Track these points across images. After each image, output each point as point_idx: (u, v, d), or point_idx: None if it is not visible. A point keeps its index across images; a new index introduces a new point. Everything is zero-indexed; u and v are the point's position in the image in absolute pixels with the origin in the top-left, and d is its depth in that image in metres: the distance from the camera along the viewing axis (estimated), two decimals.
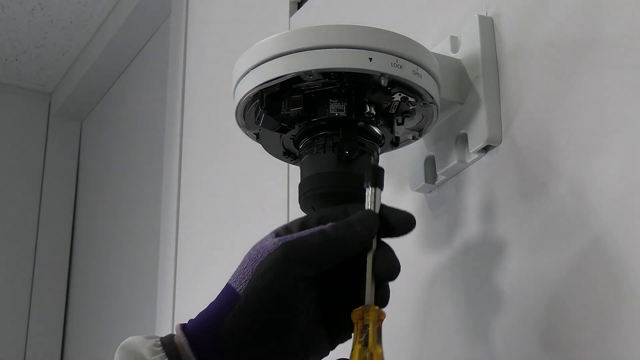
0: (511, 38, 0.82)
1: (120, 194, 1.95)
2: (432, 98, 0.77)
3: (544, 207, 0.76)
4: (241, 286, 0.67)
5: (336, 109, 0.74)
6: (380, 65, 0.73)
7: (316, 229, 0.68)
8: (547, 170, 0.76)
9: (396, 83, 0.74)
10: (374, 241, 0.69)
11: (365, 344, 0.67)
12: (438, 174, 0.86)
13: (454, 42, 0.86)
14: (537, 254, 0.75)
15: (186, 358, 0.67)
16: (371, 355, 0.66)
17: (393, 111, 0.76)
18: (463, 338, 0.81)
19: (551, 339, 0.73)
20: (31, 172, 2.14)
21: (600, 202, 0.71)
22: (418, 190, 0.88)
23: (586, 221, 0.72)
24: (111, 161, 2.03)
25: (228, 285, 0.69)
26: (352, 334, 0.68)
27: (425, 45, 0.77)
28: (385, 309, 0.68)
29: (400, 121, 0.78)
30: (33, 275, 2.07)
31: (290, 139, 0.78)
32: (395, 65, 0.74)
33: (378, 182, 0.70)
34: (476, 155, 0.82)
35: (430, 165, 0.87)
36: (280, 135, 0.78)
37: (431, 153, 0.86)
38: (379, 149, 0.77)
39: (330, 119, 0.74)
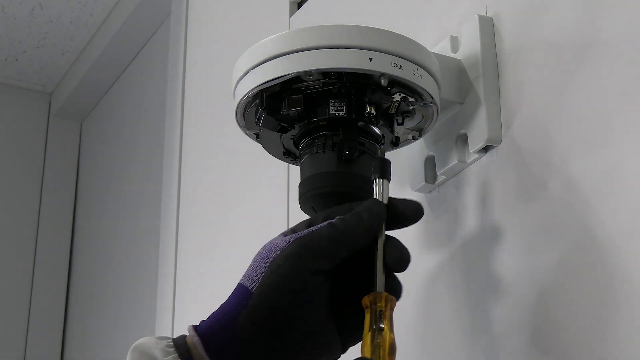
0: (511, 38, 0.82)
1: (120, 194, 1.95)
2: (432, 98, 0.77)
3: (544, 207, 0.76)
4: (254, 284, 0.67)
5: (336, 109, 0.74)
6: (380, 65, 0.73)
7: (325, 223, 0.69)
8: (547, 170, 0.76)
9: (396, 83, 0.74)
10: (383, 231, 0.69)
11: (380, 330, 0.67)
12: (438, 174, 0.86)
13: (454, 42, 0.86)
14: (537, 254, 0.75)
15: (199, 358, 0.67)
16: (384, 340, 0.66)
17: (393, 111, 0.76)
18: (463, 337, 0.81)
19: (551, 339, 0.73)
20: (31, 172, 2.14)
21: (600, 202, 0.71)
22: (418, 190, 0.88)
23: (586, 221, 0.72)
24: (111, 161, 2.03)
25: (240, 285, 0.69)
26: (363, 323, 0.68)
27: (425, 45, 0.77)
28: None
29: (400, 121, 0.78)
30: (33, 275, 2.07)
31: (290, 139, 0.78)
32: (395, 65, 0.74)
33: (385, 174, 0.71)
34: (476, 155, 0.82)
35: (430, 165, 0.87)
36: (280, 135, 0.78)
37: (431, 153, 0.86)
38: (380, 128, 0.76)
39: (330, 119, 0.74)
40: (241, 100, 0.77)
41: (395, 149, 0.81)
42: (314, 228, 0.69)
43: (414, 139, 0.82)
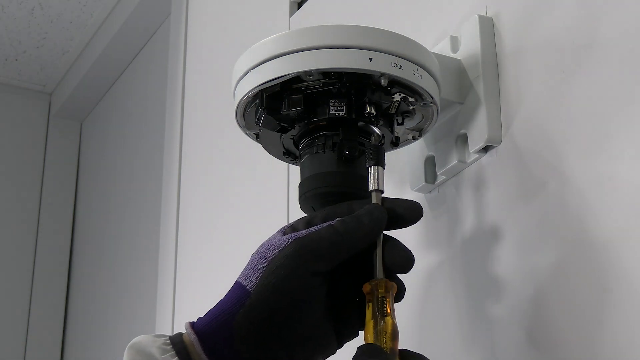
0: (511, 38, 0.82)
1: (120, 193, 1.95)
2: (432, 98, 0.77)
3: (544, 207, 0.76)
4: (252, 283, 0.67)
5: (336, 109, 0.74)
6: (380, 65, 0.73)
7: (324, 224, 0.69)
8: (547, 170, 0.76)
9: (396, 83, 0.74)
10: (382, 235, 0.70)
11: (383, 315, 0.67)
12: (438, 174, 0.86)
13: (454, 42, 0.86)
14: (536, 254, 0.75)
15: (196, 356, 0.67)
16: (387, 326, 0.67)
17: (393, 111, 0.76)
18: (462, 338, 0.81)
19: (552, 339, 0.73)
20: (31, 172, 2.14)
21: (600, 201, 0.71)
22: (418, 190, 0.88)
23: (585, 221, 0.72)
24: (111, 161, 2.03)
25: (237, 283, 0.69)
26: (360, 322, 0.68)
27: (425, 45, 0.77)
28: None
29: (400, 121, 0.78)
30: (33, 275, 2.07)
31: (290, 139, 0.78)
32: (395, 65, 0.74)
33: (380, 161, 0.71)
34: (476, 155, 0.82)
35: (430, 165, 0.87)
36: (280, 135, 0.78)
37: (431, 153, 0.86)
38: (379, 132, 0.76)
39: (330, 119, 0.74)
40: (241, 100, 0.77)
41: (395, 149, 0.81)
42: (313, 229, 0.69)
43: (414, 139, 0.82)
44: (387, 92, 0.75)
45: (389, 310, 0.68)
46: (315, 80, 0.74)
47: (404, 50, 0.74)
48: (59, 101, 2.17)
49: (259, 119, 0.76)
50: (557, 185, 0.75)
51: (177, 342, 0.67)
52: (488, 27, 0.84)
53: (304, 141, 0.76)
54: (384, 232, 0.70)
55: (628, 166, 0.69)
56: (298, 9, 1.19)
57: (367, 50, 0.73)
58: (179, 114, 1.47)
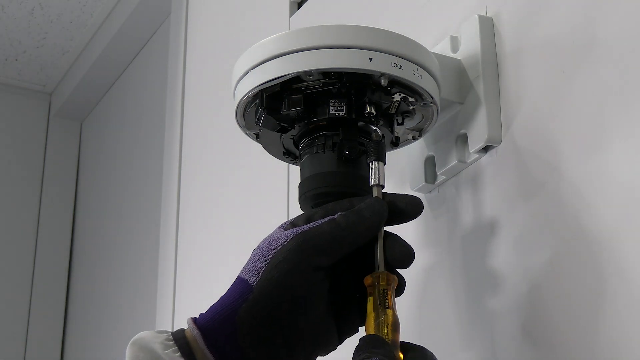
0: (511, 38, 0.82)
1: (120, 193, 1.95)
2: (432, 98, 0.77)
3: (544, 207, 0.76)
4: (254, 278, 0.67)
5: (336, 109, 0.74)
6: (380, 65, 0.73)
7: (326, 219, 0.69)
8: (547, 170, 0.76)
9: (396, 83, 0.74)
10: (383, 229, 0.70)
11: (385, 307, 0.68)
12: (438, 174, 0.86)
13: (454, 42, 0.86)
14: (536, 253, 0.75)
15: (198, 351, 0.67)
16: (388, 317, 0.67)
17: (393, 111, 0.76)
18: (462, 337, 0.81)
19: (551, 338, 0.73)
20: (31, 172, 2.14)
21: (600, 201, 0.71)
22: (418, 190, 0.88)
23: (586, 221, 0.72)
24: (111, 161, 2.03)
25: (240, 278, 0.69)
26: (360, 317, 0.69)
27: (425, 45, 0.77)
28: None
29: (400, 121, 0.78)
30: (33, 275, 2.07)
31: (290, 139, 0.78)
32: (395, 65, 0.74)
33: (381, 156, 0.72)
34: (476, 155, 0.82)
35: (430, 165, 0.87)
36: (280, 135, 0.78)
37: (431, 153, 0.86)
38: (380, 128, 0.76)
39: (330, 119, 0.74)
40: (241, 100, 0.77)
41: (395, 149, 0.81)
42: (315, 223, 0.69)
43: (414, 139, 0.82)
44: (387, 92, 0.75)
45: (390, 303, 0.68)
46: (315, 80, 0.74)
47: (404, 50, 0.74)
48: (59, 101, 2.17)
49: (259, 119, 0.76)
50: (556, 185, 0.75)
51: (179, 338, 0.67)
52: (488, 27, 0.84)
53: (304, 141, 0.76)
54: (385, 228, 0.71)
55: (627, 166, 0.69)
56: (298, 9, 1.19)
57: (367, 50, 0.73)
58: (179, 114, 1.47)
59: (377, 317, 0.68)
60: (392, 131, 0.78)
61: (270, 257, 0.68)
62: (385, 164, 0.73)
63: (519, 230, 0.77)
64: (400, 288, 0.71)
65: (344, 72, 0.73)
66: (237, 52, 0.77)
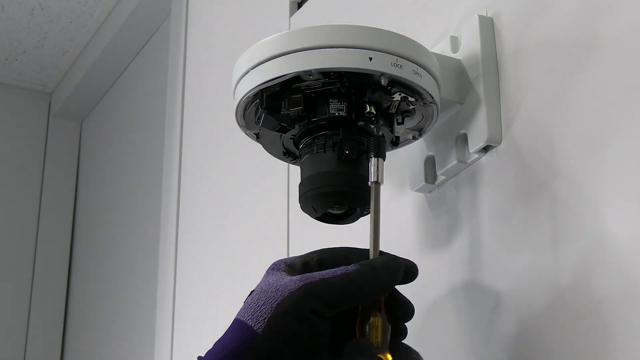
0: (511, 38, 0.82)
1: (120, 193, 1.95)
2: (432, 98, 0.77)
3: (544, 207, 0.75)
4: (259, 324, 0.66)
5: (336, 108, 0.74)
6: (380, 64, 0.73)
7: (338, 271, 0.68)
8: (548, 170, 0.76)
9: (396, 83, 0.74)
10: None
11: (375, 308, 0.68)
12: (438, 174, 0.86)
13: (454, 42, 0.86)
14: (537, 254, 0.75)
15: None
16: (377, 320, 0.67)
17: (393, 111, 0.76)
18: (462, 338, 0.81)
19: (551, 338, 0.73)
20: (31, 172, 2.14)
21: (600, 202, 0.71)
22: (418, 190, 0.88)
23: (586, 221, 0.72)
24: (111, 161, 2.03)
25: (241, 322, 0.67)
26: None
27: (425, 45, 0.77)
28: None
29: (400, 121, 0.78)
30: (33, 275, 2.07)
31: (290, 138, 0.78)
32: (395, 65, 0.74)
33: (380, 152, 0.72)
34: (476, 155, 0.82)
35: (430, 165, 0.86)
36: (280, 135, 0.78)
37: (431, 153, 0.86)
38: (380, 123, 0.76)
39: (330, 118, 0.74)
40: (241, 100, 0.77)
41: (395, 148, 0.81)
42: (326, 274, 0.68)
43: (414, 138, 0.82)
44: (387, 91, 0.75)
45: (380, 305, 0.69)
46: (315, 80, 0.74)
47: (404, 50, 0.74)
48: (59, 101, 2.17)
49: (259, 118, 0.76)
50: (557, 185, 0.75)
51: None
52: (488, 27, 0.84)
53: (304, 141, 0.76)
54: None
55: (628, 166, 0.69)
56: (298, 9, 1.19)
57: (367, 50, 0.73)
58: (179, 114, 1.47)
59: (365, 321, 0.68)
60: (392, 131, 0.78)
61: (276, 303, 0.66)
62: (385, 160, 0.73)
63: (518, 230, 0.77)
64: (408, 315, 0.71)
65: (344, 71, 0.73)
66: (237, 52, 0.77)
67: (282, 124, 0.76)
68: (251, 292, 0.70)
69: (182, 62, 1.50)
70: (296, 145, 0.78)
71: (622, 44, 0.72)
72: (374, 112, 0.74)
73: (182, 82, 1.48)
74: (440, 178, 0.86)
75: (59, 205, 2.14)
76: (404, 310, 0.71)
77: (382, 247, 0.72)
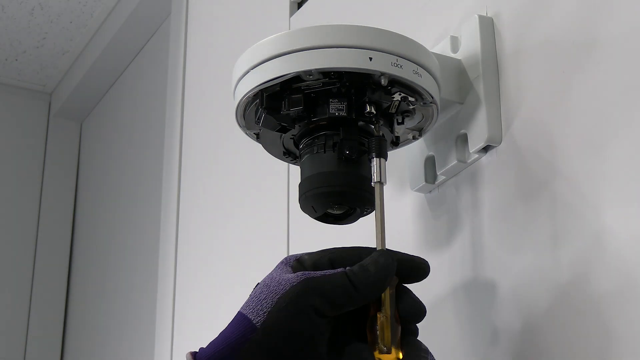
0: (511, 38, 0.82)
1: (120, 193, 1.95)
2: (432, 98, 0.77)
3: (544, 207, 0.76)
4: (259, 318, 0.67)
5: (336, 108, 0.74)
6: (381, 64, 0.73)
7: (338, 271, 0.68)
8: (548, 170, 0.76)
9: (396, 82, 0.74)
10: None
11: (381, 307, 0.68)
12: (438, 174, 0.86)
13: (454, 42, 0.86)
14: (537, 254, 0.75)
15: None
16: (385, 319, 0.67)
17: (393, 111, 0.76)
18: (462, 338, 0.81)
19: (551, 337, 0.73)
20: (31, 172, 2.14)
21: (600, 202, 0.71)
22: (418, 190, 0.88)
23: (586, 221, 0.72)
24: (111, 161, 2.03)
25: (243, 315, 0.68)
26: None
27: (425, 45, 0.77)
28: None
29: (400, 121, 0.78)
30: (33, 275, 2.07)
31: (291, 138, 0.78)
32: (395, 64, 0.74)
33: (382, 152, 0.72)
34: (476, 155, 0.82)
35: (430, 165, 0.86)
36: (281, 135, 0.78)
37: (431, 153, 0.86)
38: (381, 123, 0.76)
39: (331, 118, 0.74)
40: (241, 100, 0.77)
41: (395, 148, 0.81)
42: (327, 272, 0.68)
43: (414, 138, 0.82)
44: (387, 91, 0.75)
45: (386, 304, 0.69)
46: (315, 80, 0.74)
47: (404, 50, 0.75)
48: (59, 101, 2.17)
49: (259, 118, 0.76)
50: (557, 185, 0.75)
51: None
52: (488, 27, 0.84)
53: (304, 141, 0.76)
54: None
55: (628, 166, 0.69)
56: (298, 9, 1.19)
57: (367, 49, 0.73)
58: (179, 114, 1.47)
59: (373, 321, 0.68)
60: (392, 131, 0.78)
61: (277, 297, 0.67)
62: (386, 160, 0.73)
63: (518, 230, 0.77)
64: (416, 315, 0.71)
65: (344, 71, 0.73)
66: (237, 52, 0.77)
67: (282, 124, 0.76)
68: (256, 285, 0.70)
69: (182, 62, 1.50)
70: (296, 145, 0.78)
71: (622, 44, 0.72)
72: (374, 112, 0.74)
73: (182, 82, 1.48)
74: (440, 178, 0.86)
75: (59, 205, 2.14)
76: (413, 310, 0.70)
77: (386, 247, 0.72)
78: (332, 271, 0.68)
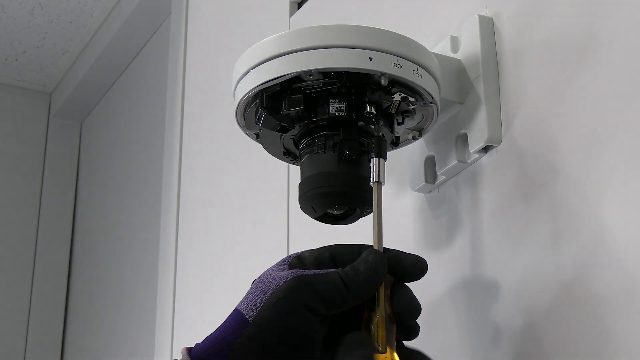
0: (511, 38, 0.82)
1: (120, 194, 1.95)
2: (432, 98, 0.77)
3: (544, 207, 0.76)
4: (252, 313, 0.67)
5: (336, 108, 0.74)
6: (381, 64, 0.73)
7: (332, 270, 0.69)
8: (547, 170, 0.76)
9: (396, 83, 0.74)
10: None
11: (377, 304, 0.68)
12: (438, 174, 0.86)
13: (454, 42, 0.86)
14: (537, 254, 0.75)
15: None
16: (379, 317, 0.67)
17: (393, 111, 0.76)
18: (462, 337, 0.81)
19: (551, 336, 0.73)
20: (31, 172, 2.14)
21: (600, 202, 0.71)
22: (418, 190, 0.88)
23: (586, 221, 0.72)
24: (111, 161, 2.03)
25: (237, 311, 0.68)
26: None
27: (425, 45, 0.77)
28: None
29: (400, 121, 0.78)
30: (33, 275, 2.07)
31: (291, 138, 0.78)
32: (395, 65, 0.74)
33: (381, 153, 0.72)
34: (476, 155, 0.82)
35: (430, 165, 0.87)
36: (281, 135, 0.78)
37: (431, 153, 0.86)
38: (381, 123, 0.76)
39: (331, 118, 0.74)
40: (241, 100, 0.77)
41: (395, 148, 0.81)
42: (321, 271, 0.69)
43: (414, 138, 0.82)
44: (387, 91, 0.75)
45: (382, 301, 0.69)
46: (315, 80, 0.74)
47: (404, 50, 0.75)
48: (59, 101, 2.17)
49: (259, 118, 0.76)
50: (557, 185, 0.75)
51: None
52: (488, 27, 0.84)
53: (304, 141, 0.76)
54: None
55: (628, 166, 0.69)
56: (298, 9, 1.19)
57: (367, 50, 0.73)
58: (179, 114, 1.47)
59: (368, 321, 0.68)
60: (392, 131, 0.78)
61: (271, 292, 0.67)
62: (385, 160, 0.73)
63: (518, 230, 0.77)
64: (411, 313, 0.70)
65: (344, 71, 0.73)
66: (237, 52, 0.77)
67: (282, 124, 0.76)
68: (253, 281, 0.70)
69: (182, 62, 1.50)
70: (296, 145, 0.78)
71: (622, 44, 0.72)
72: (374, 112, 0.74)
73: (182, 82, 1.48)
74: (440, 178, 0.86)
75: (59, 206, 2.14)
76: (407, 307, 0.70)
77: (384, 246, 0.72)
78: (325, 270, 0.69)
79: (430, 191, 0.88)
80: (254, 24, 1.31)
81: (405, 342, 0.72)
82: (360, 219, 0.76)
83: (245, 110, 0.78)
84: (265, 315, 0.66)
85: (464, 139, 0.83)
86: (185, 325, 1.31)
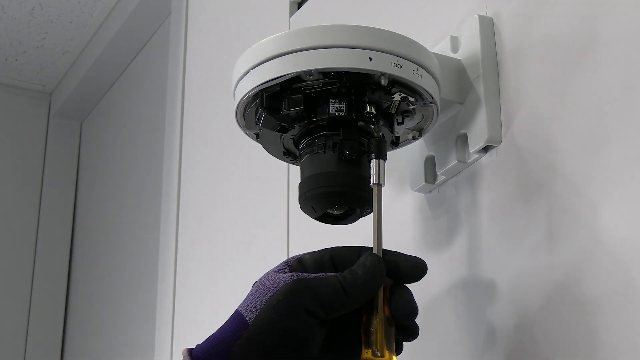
0: (511, 38, 0.82)
1: (120, 194, 1.95)
2: (432, 98, 0.77)
3: (544, 207, 0.76)
4: (251, 315, 0.67)
5: (336, 108, 0.74)
6: (381, 64, 0.73)
7: (331, 274, 0.69)
8: (547, 170, 0.76)
9: (396, 83, 0.74)
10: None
11: (375, 309, 0.68)
12: (438, 174, 0.86)
13: (454, 42, 0.86)
14: (537, 254, 0.75)
15: None
16: (378, 321, 0.67)
17: (393, 111, 0.76)
18: (461, 337, 0.81)
19: (550, 336, 0.73)
20: (31, 172, 2.14)
21: (600, 202, 0.71)
22: (418, 190, 0.88)
23: (586, 221, 0.72)
24: (111, 161, 2.03)
25: (238, 312, 0.68)
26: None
27: (425, 45, 0.77)
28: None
29: (400, 121, 0.78)
30: (33, 275, 2.07)
31: (291, 138, 0.78)
32: (395, 65, 0.74)
33: (381, 154, 0.72)
34: (476, 155, 0.82)
35: (430, 165, 0.86)
36: (281, 135, 0.78)
37: (431, 153, 0.86)
38: (381, 123, 0.76)
39: (331, 118, 0.74)
40: (241, 100, 0.77)
41: (396, 148, 0.81)
42: (320, 274, 0.69)
43: (414, 138, 0.82)
44: (387, 91, 0.75)
45: (380, 306, 0.69)
46: (315, 80, 0.74)
47: (404, 50, 0.74)
48: (59, 101, 2.17)
49: (259, 118, 0.76)
50: (557, 185, 0.75)
51: None
52: (488, 27, 0.84)
53: (304, 141, 0.76)
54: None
55: (627, 166, 0.69)
56: (298, 9, 1.19)
57: (367, 50, 0.73)
58: (179, 114, 1.47)
59: (367, 324, 0.68)
60: (392, 131, 0.78)
61: (270, 295, 0.67)
62: (385, 161, 0.73)
63: (518, 230, 0.77)
64: (408, 315, 0.70)
65: (344, 71, 0.73)
66: (237, 52, 0.77)
67: (282, 124, 0.76)
68: (254, 283, 0.70)
69: (182, 62, 1.50)
70: (296, 145, 0.78)
71: (622, 44, 0.72)
72: (374, 112, 0.74)
73: (182, 82, 1.48)
74: (440, 178, 0.86)
75: (59, 205, 2.14)
76: (404, 310, 0.70)
77: (383, 248, 0.72)
78: (325, 274, 0.69)
79: (430, 191, 0.88)
80: (254, 24, 1.31)
81: (405, 343, 0.72)
82: (361, 219, 0.76)
83: (245, 110, 0.78)
84: (264, 318, 0.67)
85: (464, 139, 0.83)
86: (185, 325, 1.31)
